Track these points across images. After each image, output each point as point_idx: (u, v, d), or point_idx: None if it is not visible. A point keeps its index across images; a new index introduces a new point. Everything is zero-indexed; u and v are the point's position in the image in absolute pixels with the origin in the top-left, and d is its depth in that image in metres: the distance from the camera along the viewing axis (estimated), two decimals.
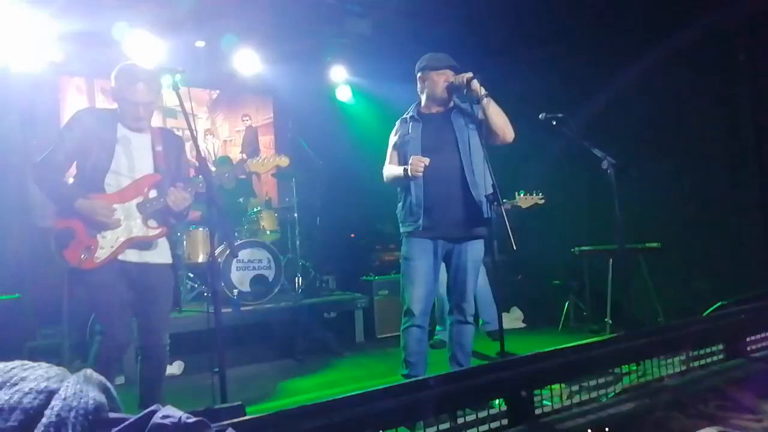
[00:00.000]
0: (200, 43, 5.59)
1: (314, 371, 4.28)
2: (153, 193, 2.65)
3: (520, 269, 5.85)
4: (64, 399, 0.69)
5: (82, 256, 2.52)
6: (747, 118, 4.16)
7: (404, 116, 3.16)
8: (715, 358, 2.37)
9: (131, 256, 2.62)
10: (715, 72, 4.35)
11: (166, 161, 2.70)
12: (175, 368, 4.22)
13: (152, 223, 2.66)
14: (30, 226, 5.68)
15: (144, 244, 2.65)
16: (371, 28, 5.44)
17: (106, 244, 2.56)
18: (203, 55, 5.62)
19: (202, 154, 2.27)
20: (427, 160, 2.81)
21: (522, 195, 4.44)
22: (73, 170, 2.66)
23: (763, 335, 2.50)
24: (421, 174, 2.84)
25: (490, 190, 2.77)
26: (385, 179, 3.16)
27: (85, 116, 2.67)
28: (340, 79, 6.91)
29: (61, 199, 2.56)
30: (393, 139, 3.15)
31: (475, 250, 3.02)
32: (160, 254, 2.71)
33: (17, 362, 0.74)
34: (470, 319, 3.07)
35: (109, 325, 2.57)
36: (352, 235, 6.97)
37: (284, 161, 2.87)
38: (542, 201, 4.45)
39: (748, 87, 4.15)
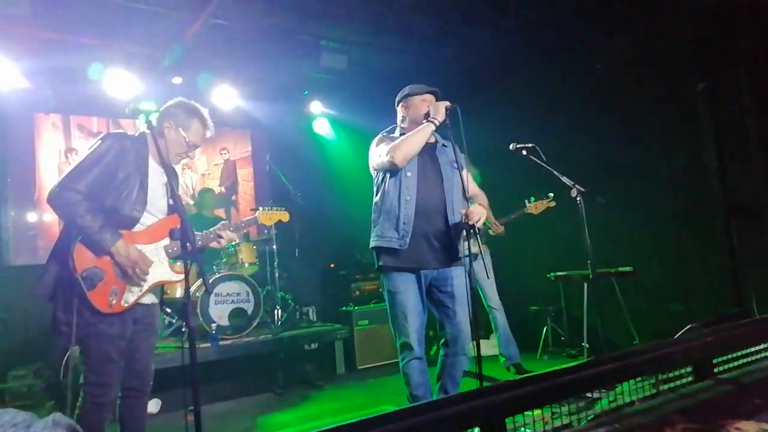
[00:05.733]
0: (177, 80, 5.64)
1: (294, 405, 4.24)
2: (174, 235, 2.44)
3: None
4: None
5: (112, 300, 2.28)
6: (708, 144, 4.33)
7: (390, 132, 3.11)
8: (684, 380, 2.43)
9: (147, 299, 2.47)
10: (677, 100, 4.54)
11: (176, 198, 2.42)
12: (152, 406, 4.14)
13: (175, 266, 2.52)
14: (0, 265, 5.59)
15: (161, 287, 2.51)
16: (346, 63, 5.57)
17: (135, 288, 2.37)
18: (180, 92, 5.66)
19: (177, 192, 2.25)
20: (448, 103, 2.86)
21: (532, 201, 4.35)
22: (101, 200, 2.32)
23: (729, 357, 2.57)
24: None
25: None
26: (400, 154, 2.83)
27: (122, 143, 2.40)
28: (317, 112, 7.03)
29: (94, 237, 2.23)
30: (384, 141, 3.01)
31: (460, 276, 2.97)
32: (157, 293, 2.59)
33: None
34: (466, 351, 2.94)
35: (110, 376, 2.31)
36: (332, 266, 6.98)
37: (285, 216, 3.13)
38: (553, 204, 4.33)
39: (708, 114, 4.33)
